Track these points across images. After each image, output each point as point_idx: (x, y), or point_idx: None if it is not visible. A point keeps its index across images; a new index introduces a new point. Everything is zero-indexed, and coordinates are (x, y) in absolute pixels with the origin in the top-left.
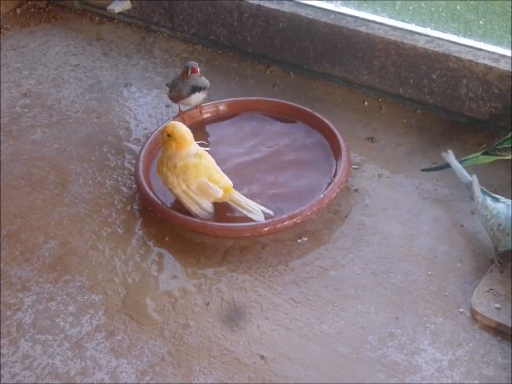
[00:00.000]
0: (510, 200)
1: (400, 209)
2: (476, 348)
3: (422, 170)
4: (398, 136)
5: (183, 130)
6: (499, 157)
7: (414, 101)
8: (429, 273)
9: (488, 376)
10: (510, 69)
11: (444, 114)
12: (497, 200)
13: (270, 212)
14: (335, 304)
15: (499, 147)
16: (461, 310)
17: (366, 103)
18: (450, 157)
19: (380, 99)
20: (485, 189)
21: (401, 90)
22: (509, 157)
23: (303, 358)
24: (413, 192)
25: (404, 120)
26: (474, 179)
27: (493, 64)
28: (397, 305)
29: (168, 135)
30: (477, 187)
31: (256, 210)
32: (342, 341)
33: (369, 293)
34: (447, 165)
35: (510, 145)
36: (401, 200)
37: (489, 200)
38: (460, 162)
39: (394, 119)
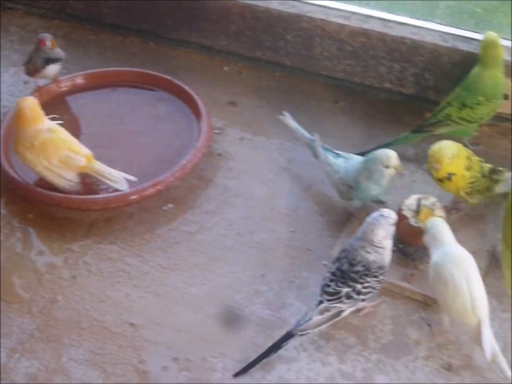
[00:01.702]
0: (351, 154)
1: (262, 170)
2: None
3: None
4: (259, 99)
5: (25, 105)
6: (429, 133)
7: (272, 64)
8: (292, 229)
9: (353, 325)
10: (361, 26)
11: (301, 74)
12: (338, 155)
13: (133, 178)
14: (202, 267)
15: (426, 123)
16: (324, 263)
17: (226, 68)
18: (287, 119)
19: (239, 64)
20: (327, 146)
21: (259, 53)
22: (438, 132)
23: (172, 322)
24: (274, 152)
25: (264, 83)
26: (316, 137)
27: (344, 22)
28: (263, 263)
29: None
30: (319, 146)
31: (119, 179)
32: (210, 302)
33: (235, 253)
34: (380, 147)
35: (437, 120)
36: (263, 162)
37: (330, 157)
38: (390, 144)
39: (254, 82)
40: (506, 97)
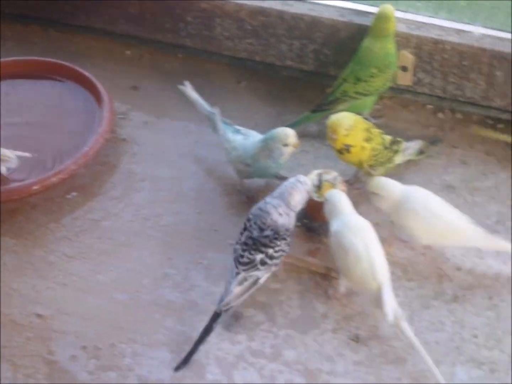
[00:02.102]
0: (250, 131)
1: (167, 153)
2: None
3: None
4: (161, 82)
5: None
6: (329, 111)
7: (174, 46)
8: (199, 211)
9: (261, 302)
10: (260, 5)
11: (204, 55)
12: (238, 131)
13: (28, 154)
14: (109, 254)
15: (325, 102)
16: (231, 242)
17: (128, 52)
18: (188, 89)
19: (141, 47)
20: (227, 120)
21: (159, 36)
22: (338, 109)
23: (80, 310)
24: (179, 135)
25: (167, 65)
26: (216, 111)
27: (243, 1)
28: (170, 246)
29: None
30: (219, 120)
31: (11, 157)
32: (118, 289)
33: (142, 238)
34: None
35: (335, 97)
36: (168, 144)
37: (229, 133)
38: (292, 125)
39: (156, 65)
40: (404, 68)
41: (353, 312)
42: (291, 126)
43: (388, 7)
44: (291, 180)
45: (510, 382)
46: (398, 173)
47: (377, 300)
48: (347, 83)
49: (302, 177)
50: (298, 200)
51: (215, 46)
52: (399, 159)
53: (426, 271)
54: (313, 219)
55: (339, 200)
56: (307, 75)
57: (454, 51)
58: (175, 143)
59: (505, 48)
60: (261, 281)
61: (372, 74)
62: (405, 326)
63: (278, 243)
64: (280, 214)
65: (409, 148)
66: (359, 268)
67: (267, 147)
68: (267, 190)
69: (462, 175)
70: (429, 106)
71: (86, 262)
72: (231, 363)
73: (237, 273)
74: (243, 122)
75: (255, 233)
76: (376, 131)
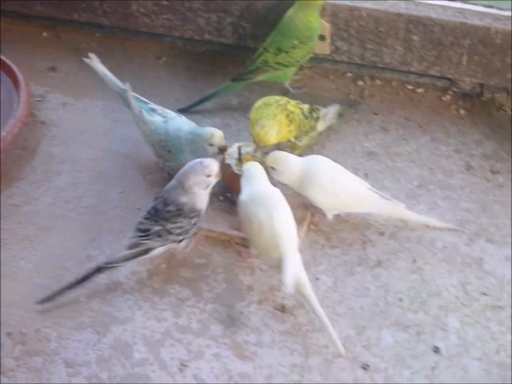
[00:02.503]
0: (169, 112)
1: (87, 134)
2: (172, 254)
3: (178, 110)
4: (80, 62)
5: None
6: (249, 81)
7: (91, 25)
8: (121, 190)
9: (186, 278)
10: None
11: (122, 33)
12: (154, 111)
13: None
14: (31, 239)
15: (245, 71)
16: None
17: (44, 34)
18: (94, 62)
19: (58, 28)
20: (141, 97)
21: (75, 15)
22: (257, 79)
23: (3, 297)
24: (98, 114)
25: (84, 45)
26: (128, 87)
27: None
28: (93, 228)
29: None
30: (131, 97)
31: None
32: (42, 274)
33: (64, 221)
34: (203, 100)
35: (255, 67)
36: (87, 125)
37: (145, 113)
38: (213, 95)
39: (74, 45)
40: (322, 37)
41: (278, 282)
42: (211, 96)
43: None
44: (195, 161)
45: (435, 344)
46: (319, 142)
47: (280, 269)
48: (268, 53)
49: (206, 161)
50: (193, 181)
51: (132, 23)
52: (321, 125)
53: (349, 238)
54: (236, 192)
55: (254, 171)
56: (227, 48)
57: (370, 17)
58: (95, 123)
59: (421, 13)
60: (154, 252)
61: (294, 46)
62: (310, 295)
63: (180, 219)
64: (180, 194)
65: (328, 113)
66: (263, 238)
67: (193, 144)
68: None
69: (383, 141)
70: (349, 74)
71: (8, 249)
72: (158, 340)
73: (132, 237)
74: (164, 99)
75: (160, 206)
76: (293, 105)
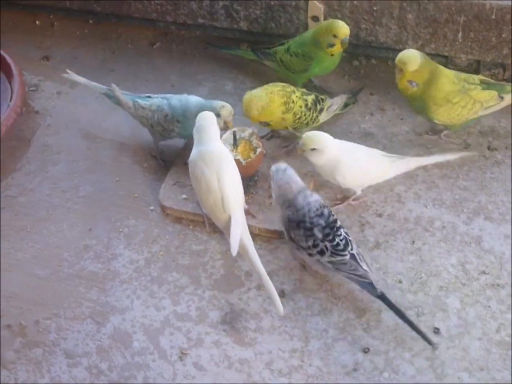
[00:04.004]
0: (161, 95)
1: (82, 123)
2: (170, 241)
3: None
4: (74, 49)
5: None
6: (261, 59)
7: (84, 12)
8: (117, 179)
9: (184, 265)
10: None
11: (115, 19)
12: (149, 97)
13: None
14: (28, 230)
15: (264, 49)
16: (152, 208)
17: (37, 22)
18: (73, 76)
19: (51, 16)
20: (129, 93)
21: (68, 3)
22: (266, 62)
23: (2, 289)
24: (93, 103)
25: (78, 32)
26: (114, 87)
27: None
28: (90, 217)
29: None
30: (120, 94)
31: None
32: (40, 264)
33: (61, 211)
34: (224, 48)
35: (269, 51)
36: (82, 114)
37: (141, 101)
38: (234, 50)
39: (68, 33)
40: (315, 19)
41: (277, 267)
42: (232, 50)
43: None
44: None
45: (435, 325)
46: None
47: (227, 230)
48: (282, 47)
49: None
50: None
51: (125, 9)
52: (324, 117)
53: (348, 221)
54: None
55: (206, 125)
56: (221, 32)
57: None
58: (89, 112)
59: None
60: None
61: (297, 54)
62: (252, 253)
63: (327, 207)
64: (306, 196)
65: (334, 104)
66: (211, 198)
67: (202, 110)
68: (184, 153)
69: (380, 121)
70: (344, 54)
71: (5, 240)
72: (157, 329)
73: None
74: (160, 85)
75: (322, 221)
76: (297, 96)
